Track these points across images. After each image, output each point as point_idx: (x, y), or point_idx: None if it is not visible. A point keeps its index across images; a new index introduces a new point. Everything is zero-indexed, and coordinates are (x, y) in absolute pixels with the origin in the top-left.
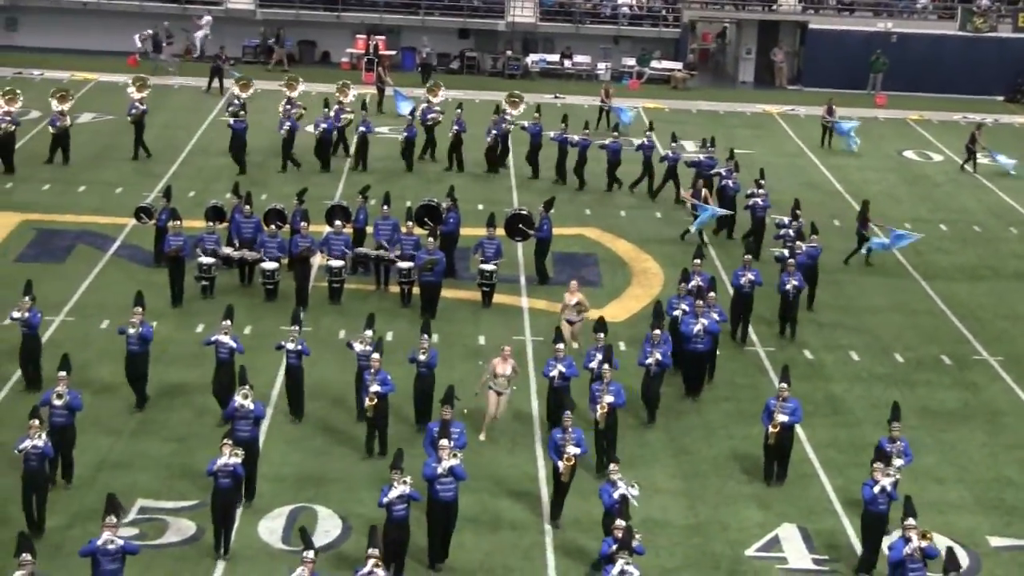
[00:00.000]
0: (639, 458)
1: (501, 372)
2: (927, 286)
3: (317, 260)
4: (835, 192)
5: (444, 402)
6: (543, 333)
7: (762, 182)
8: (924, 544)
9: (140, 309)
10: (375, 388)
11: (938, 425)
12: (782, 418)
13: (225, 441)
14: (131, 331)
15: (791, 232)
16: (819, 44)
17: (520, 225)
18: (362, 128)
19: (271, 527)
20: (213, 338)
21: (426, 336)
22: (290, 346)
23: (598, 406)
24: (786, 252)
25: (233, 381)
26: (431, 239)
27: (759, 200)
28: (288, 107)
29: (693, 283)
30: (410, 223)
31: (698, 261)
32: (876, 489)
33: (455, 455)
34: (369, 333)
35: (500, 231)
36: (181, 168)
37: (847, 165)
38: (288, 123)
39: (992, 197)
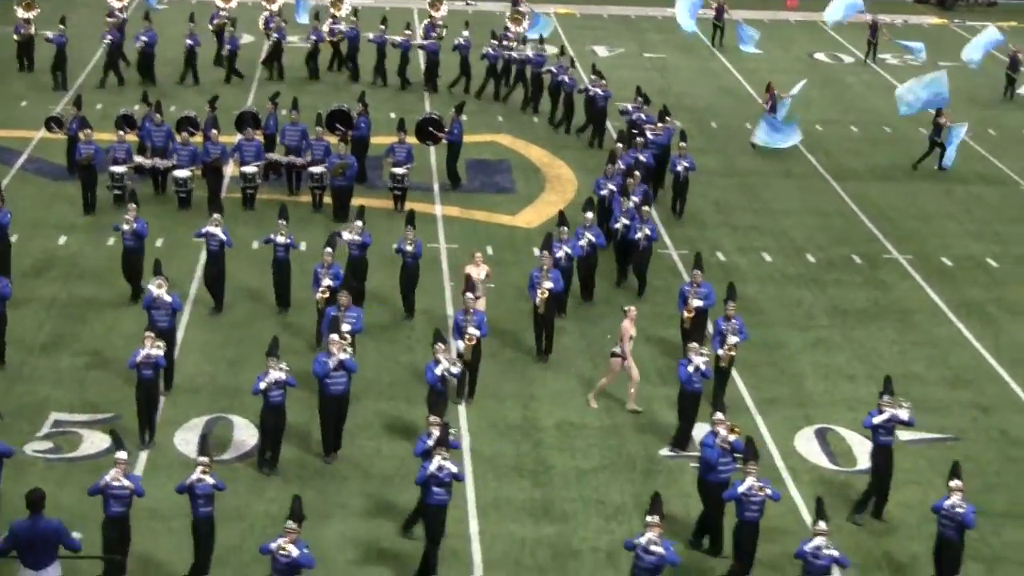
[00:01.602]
0: (556, 362)
1: (476, 277)
2: (839, 187)
3: (229, 168)
4: (748, 97)
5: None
6: (457, 240)
7: (601, 80)
8: (732, 438)
9: (134, 206)
10: (327, 282)
11: (848, 323)
12: (696, 303)
13: (147, 333)
14: (125, 227)
15: (643, 116)
16: None
17: (431, 128)
18: (276, 36)
19: (187, 438)
20: (204, 230)
21: (411, 227)
22: (280, 240)
23: (538, 291)
24: (649, 136)
25: (223, 273)
26: (342, 144)
27: (599, 91)
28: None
29: (619, 164)
30: (319, 128)
31: (621, 146)
32: (691, 368)
33: (345, 349)
34: (359, 223)
35: (412, 139)
36: (88, 80)
37: (759, 69)
38: (276, 35)
39: None
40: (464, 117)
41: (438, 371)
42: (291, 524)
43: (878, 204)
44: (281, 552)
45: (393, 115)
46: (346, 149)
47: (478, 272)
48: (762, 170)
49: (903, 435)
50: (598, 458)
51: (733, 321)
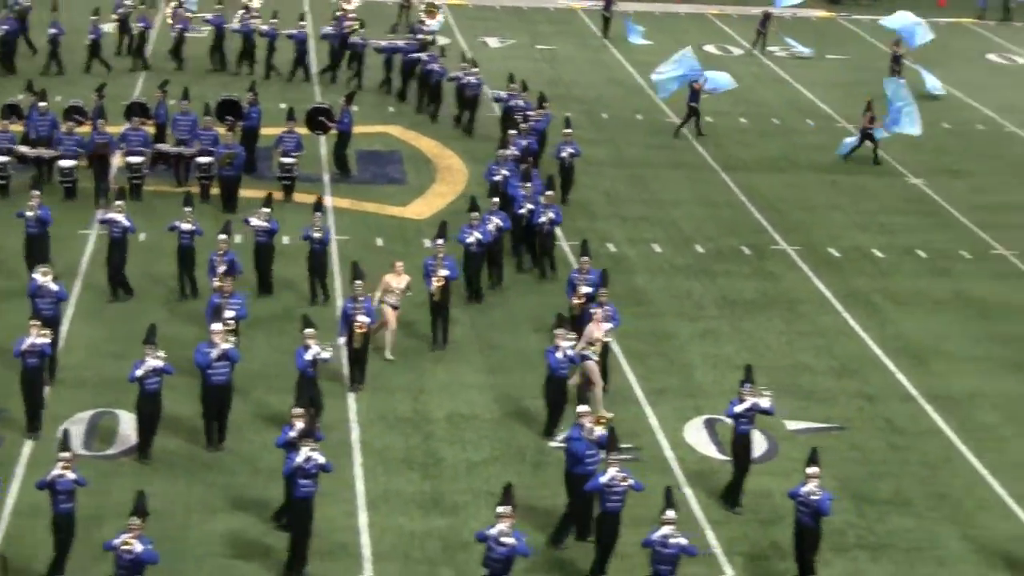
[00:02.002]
0: (447, 354)
1: (396, 286)
2: (728, 178)
3: (117, 157)
4: (637, 88)
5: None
6: (348, 232)
7: (473, 68)
8: (598, 431)
9: (38, 192)
10: (222, 269)
11: (737, 314)
12: (585, 289)
13: (33, 322)
14: (29, 214)
15: (520, 103)
16: None
17: (320, 118)
18: (140, 24)
19: (73, 432)
20: (106, 216)
21: (319, 214)
22: (185, 227)
23: (433, 280)
24: (531, 121)
25: (125, 259)
26: (230, 133)
27: (472, 79)
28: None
29: (511, 151)
30: (208, 118)
31: (514, 132)
32: (559, 355)
33: (228, 339)
34: (267, 210)
35: (302, 129)
36: None
37: (649, 61)
38: (180, 24)
39: (790, 91)
40: (355, 107)
41: (308, 356)
42: (135, 520)
43: (766, 195)
44: (124, 548)
45: (283, 105)
46: (234, 139)
47: (399, 282)
48: (652, 161)
49: (791, 424)
50: (488, 450)
51: (606, 308)
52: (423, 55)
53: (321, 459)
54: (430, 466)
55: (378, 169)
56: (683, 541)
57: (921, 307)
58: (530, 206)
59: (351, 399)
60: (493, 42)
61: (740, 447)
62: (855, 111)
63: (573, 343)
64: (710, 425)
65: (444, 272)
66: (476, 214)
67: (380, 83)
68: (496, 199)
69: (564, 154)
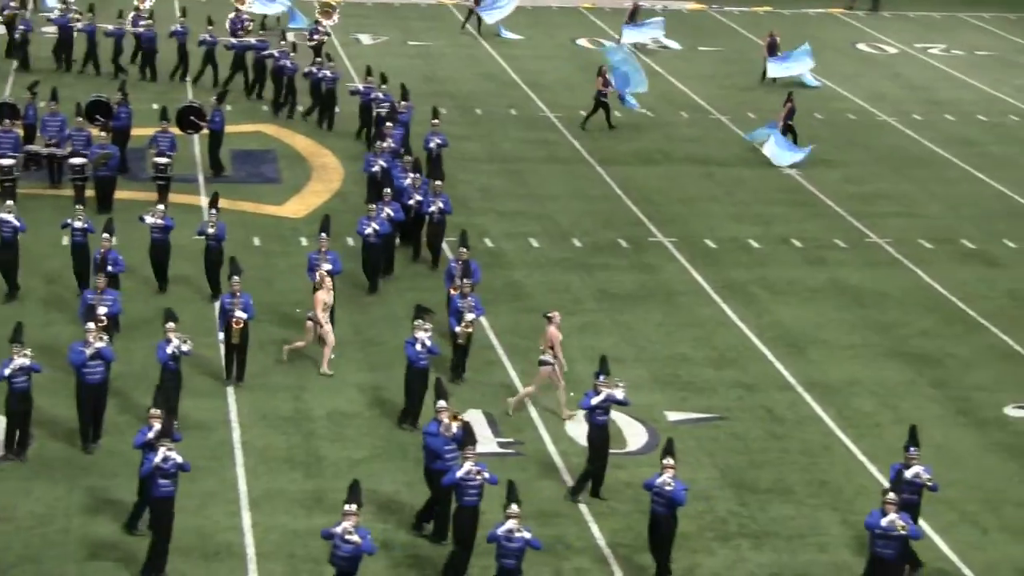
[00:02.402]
0: (322, 353)
1: (326, 301)
2: (603, 172)
3: None
4: (512, 82)
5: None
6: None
7: (329, 62)
8: (455, 427)
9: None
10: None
11: (616, 307)
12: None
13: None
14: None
15: (380, 96)
16: None
17: (192, 117)
18: (22, 27)
19: None
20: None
21: (214, 211)
22: (77, 224)
23: (317, 274)
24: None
25: (17, 258)
26: (103, 134)
27: (327, 73)
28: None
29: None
30: (79, 119)
31: (390, 124)
32: (417, 347)
33: (102, 338)
34: (161, 207)
35: (176, 129)
36: None
37: (522, 55)
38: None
39: (664, 83)
40: (228, 107)
41: (169, 350)
42: None
43: (642, 188)
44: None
45: (155, 106)
46: (107, 139)
47: (328, 297)
48: (527, 156)
49: (671, 415)
50: (369, 448)
51: (469, 299)
52: (275, 51)
53: (179, 458)
54: (312, 465)
55: (253, 168)
56: (527, 535)
57: (797, 296)
58: (419, 197)
59: (231, 400)
60: (366, 39)
61: (597, 438)
62: (728, 103)
63: (431, 334)
64: None
65: (327, 266)
66: (374, 205)
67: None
68: (388, 190)
69: (432, 144)
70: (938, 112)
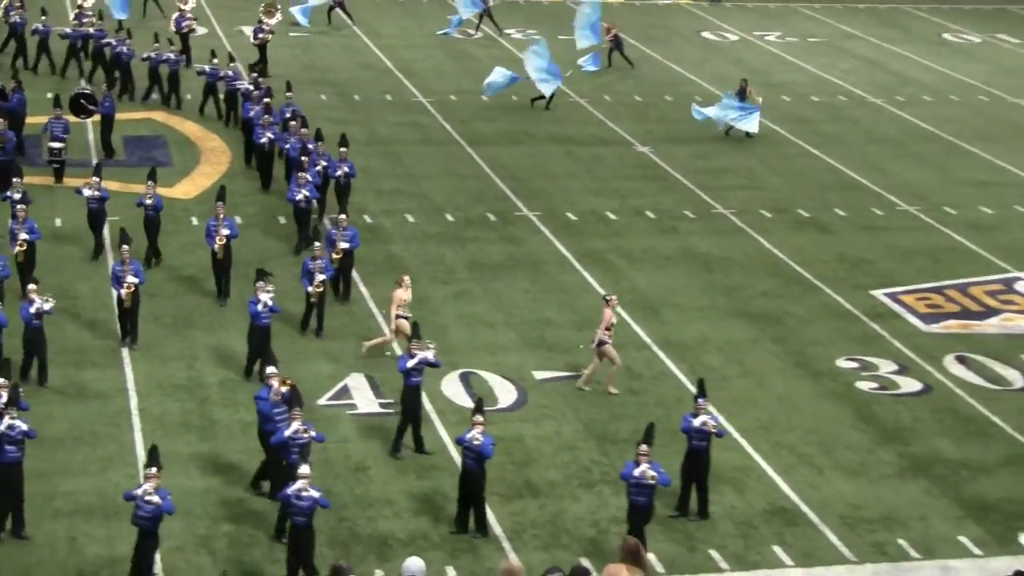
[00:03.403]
0: (218, 323)
1: (405, 299)
2: (472, 152)
3: None
4: (387, 70)
5: None
6: (118, 212)
7: (172, 47)
8: (284, 390)
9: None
10: (23, 236)
11: (486, 276)
12: (343, 244)
13: None
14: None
15: (229, 74)
16: None
17: (83, 102)
18: None
19: None
20: None
21: (152, 182)
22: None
23: (216, 239)
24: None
25: None
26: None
27: (171, 56)
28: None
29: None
30: None
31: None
32: (259, 306)
33: None
34: (96, 179)
35: (70, 116)
36: None
37: (397, 45)
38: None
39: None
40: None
41: (32, 309)
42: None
43: (508, 166)
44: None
45: (49, 94)
46: (3, 124)
47: (407, 295)
48: (403, 138)
49: (538, 374)
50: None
51: (319, 261)
52: (112, 39)
53: (24, 426)
54: (206, 428)
55: (144, 153)
56: (316, 494)
57: (651, 263)
58: (323, 162)
59: (128, 370)
60: (248, 30)
61: (411, 399)
62: (586, 86)
63: (272, 294)
64: (465, 378)
65: (225, 232)
66: (303, 174)
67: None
68: (344, 148)
69: (339, 173)
70: (775, 94)
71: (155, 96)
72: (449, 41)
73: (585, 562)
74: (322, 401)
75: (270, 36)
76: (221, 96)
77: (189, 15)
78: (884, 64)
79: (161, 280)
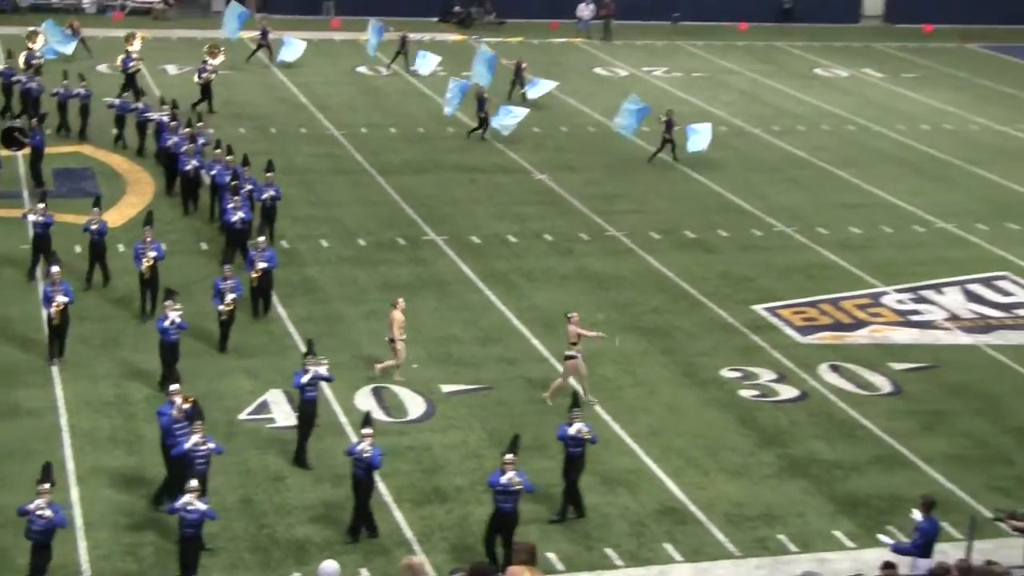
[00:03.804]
0: (140, 343)
1: (400, 321)
2: (383, 180)
3: None
4: (301, 105)
5: None
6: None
7: (82, 82)
8: (186, 406)
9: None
10: None
11: (396, 296)
12: (261, 264)
13: None
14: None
15: (140, 106)
16: None
17: (15, 134)
18: None
19: None
20: None
21: (96, 209)
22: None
23: (144, 261)
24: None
25: None
26: None
27: (81, 90)
28: None
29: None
30: None
31: (201, 123)
32: (167, 323)
33: None
34: (42, 205)
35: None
36: None
37: (312, 82)
38: None
39: (432, 104)
40: (48, 130)
41: None
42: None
43: (416, 194)
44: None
45: None
46: None
47: (401, 316)
48: (317, 168)
49: (445, 388)
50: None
51: (230, 281)
52: (21, 76)
53: None
54: (133, 443)
55: (73, 184)
56: (203, 507)
57: (550, 282)
58: (249, 186)
59: (59, 389)
60: (172, 69)
61: (306, 412)
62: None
63: (181, 312)
64: (377, 392)
65: (152, 253)
66: (238, 197)
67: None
68: (270, 172)
69: (265, 196)
70: (662, 124)
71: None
72: (360, 78)
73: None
74: (243, 415)
75: (213, 76)
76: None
77: (135, 56)
78: (761, 97)
79: (91, 304)
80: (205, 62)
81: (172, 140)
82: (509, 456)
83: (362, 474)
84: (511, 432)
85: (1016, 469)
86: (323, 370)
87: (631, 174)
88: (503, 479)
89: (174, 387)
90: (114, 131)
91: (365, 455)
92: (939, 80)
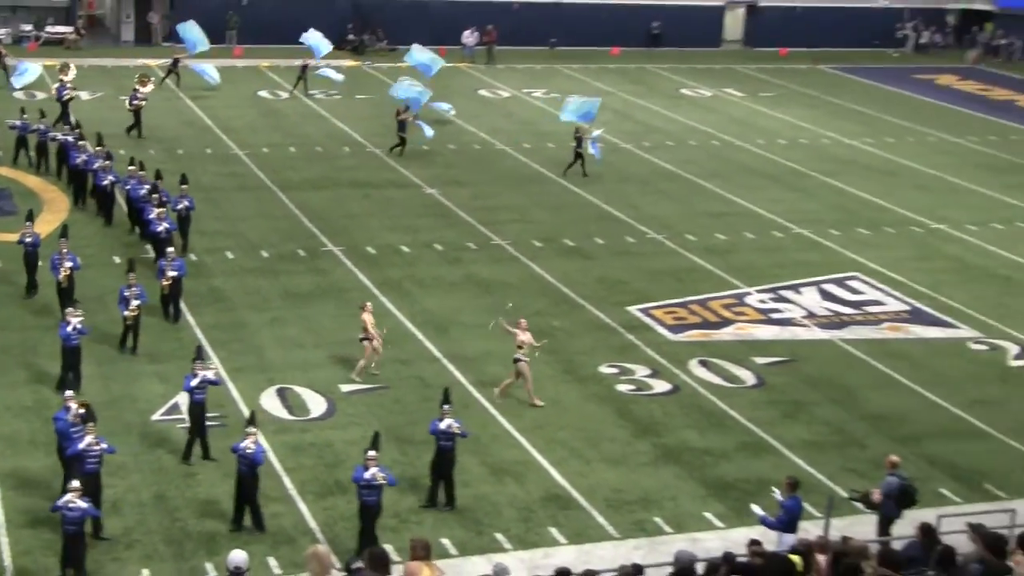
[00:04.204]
0: (57, 352)
1: (370, 321)
2: (284, 196)
3: None
4: (207, 127)
5: None
6: None
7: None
8: (81, 411)
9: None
10: None
11: (298, 304)
12: (172, 273)
13: None
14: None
15: (41, 127)
16: (185, 7)
17: None
18: None
19: None
20: None
21: (29, 223)
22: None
23: (61, 271)
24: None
25: None
26: None
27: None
28: None
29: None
30: None
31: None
32: (69, 328)
33: None
34: (29, 224)
35: None
36: None
37: (216, 105)
38: None
39: (329, 125)
40: None
41: None
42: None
43: (315, 208)
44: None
45: None
46: None
47: (370, 319)
48: (222, 186)
49: (344, 388)
50: (101, 428)
51: (134, 288)
52: None
53: None
54: (50, 445)
55: None
56: (84, 505)
57: (440, 289)
58: (164, 198)
59: None
60: (85, 95)
61: (196, 413)
62: (379, 139)
63: (82, 318)
64: (281, 393)
65: (68, 264)
66: (162, 209)
67: None
68: (185, 184)
69: (180, 207)
70: (542, 141)
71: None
72: (261, 101)
73: (388, 547)
74: (155, 416)
75: (143, 103)
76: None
77: (69, 85)
78: (632, 115)
79: (10, 316)
80: (136, 90)
81: (81, 158)
82: (371, 453)
83: (246, 470)
84: (405, 427)
85: (869, 452)
86: (211, 374)
87: (514, 187)
88: (367, 475)
89: (68, 393)
90: (13, 152)
91: (248, 452)
92: (794, 98)
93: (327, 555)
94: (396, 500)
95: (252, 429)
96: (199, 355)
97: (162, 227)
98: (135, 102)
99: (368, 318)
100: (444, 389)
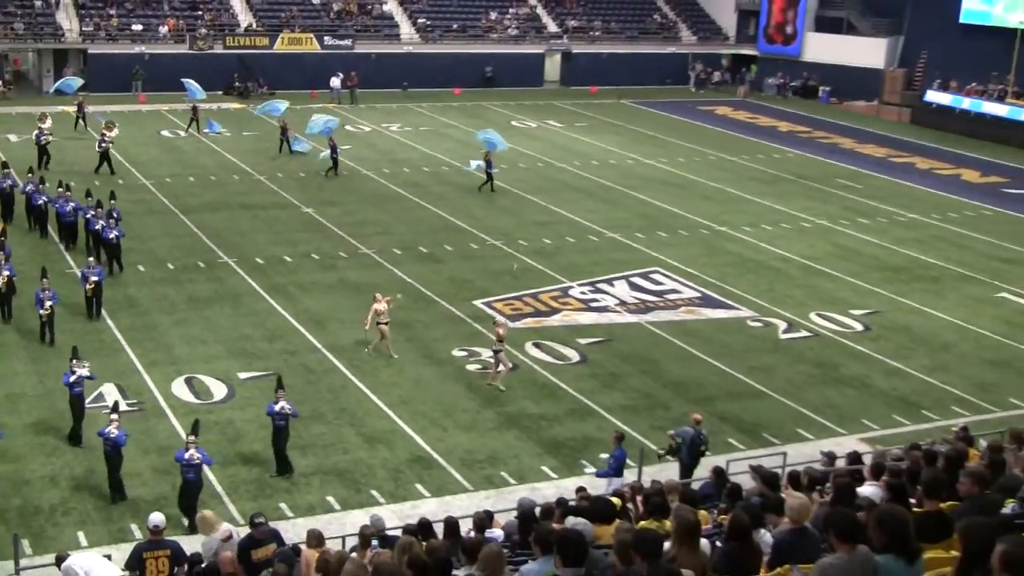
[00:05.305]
0: (2, 351)
1: (382, 309)
2: (185, 218)
3: None
4: (118, 162)
5: None
6: None
7: None
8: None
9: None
10: None
11: (200, 307)
12: (94, 278)
13: None
14: None
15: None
16: (99, 64)
17: None
18: None
19: None
20: None
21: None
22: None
23: (3, 274)
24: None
25: None
26: None
27: None
28: None
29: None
30: None
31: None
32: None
33: None
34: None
35: None
36: None
37: (125, 144)
38: None
39: (221, 157)
40: None
41: None
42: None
43: (212, 227)
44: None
45: None
46: None
47: (382, 305)
48: (133, 211)
49: (242, 375)
50: (37, 415)
51: (48, 291)
52: None
53: None
54: None
55: None
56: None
57: (319, 291)
58: (102, 222)
59: None
60: (13, 138)
61: (75, 404)
62: (263, 168)
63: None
64: (189, 382)
65: (6, 273)
66: (112, 219)
67: None
68: (114, 200)
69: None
70: (398, 167)
71: None
72: (164, 140)
73: (283, 506)
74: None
75: (110, 145)
76: None
77: (47, 131)
78: (472, 144)
79: None
80: (103, 135)
81: (7, 184)
82: (191, 437)
83: (110, 450)
84: (298, 406)
85: (672, 413)
86: (85, 371)
87: (377, 205)
88: (186, 455)
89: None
90: None
91: (112, 436)
92: (603, 127)
93: (215, 517)
94: (294, 464)
95: (115, 416)
96: (75, 355)
97: (112, 235)
98: (103, 145)
99: (381, 307)
100: (277, 376)
